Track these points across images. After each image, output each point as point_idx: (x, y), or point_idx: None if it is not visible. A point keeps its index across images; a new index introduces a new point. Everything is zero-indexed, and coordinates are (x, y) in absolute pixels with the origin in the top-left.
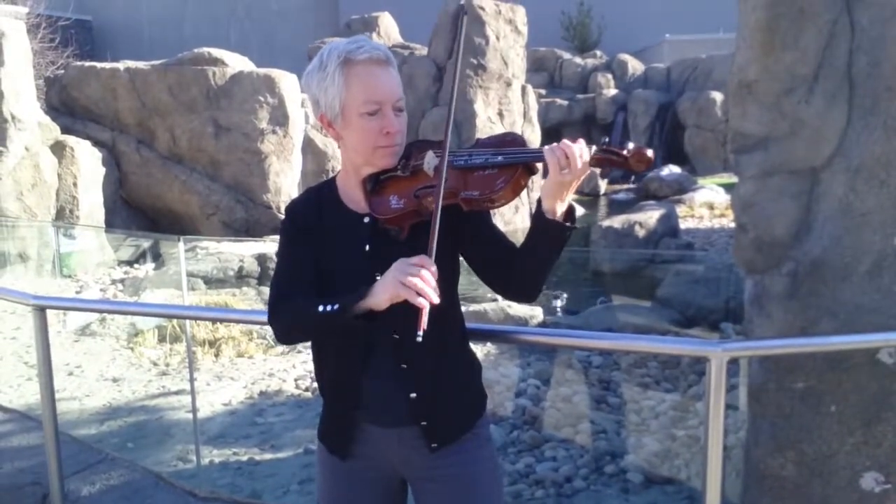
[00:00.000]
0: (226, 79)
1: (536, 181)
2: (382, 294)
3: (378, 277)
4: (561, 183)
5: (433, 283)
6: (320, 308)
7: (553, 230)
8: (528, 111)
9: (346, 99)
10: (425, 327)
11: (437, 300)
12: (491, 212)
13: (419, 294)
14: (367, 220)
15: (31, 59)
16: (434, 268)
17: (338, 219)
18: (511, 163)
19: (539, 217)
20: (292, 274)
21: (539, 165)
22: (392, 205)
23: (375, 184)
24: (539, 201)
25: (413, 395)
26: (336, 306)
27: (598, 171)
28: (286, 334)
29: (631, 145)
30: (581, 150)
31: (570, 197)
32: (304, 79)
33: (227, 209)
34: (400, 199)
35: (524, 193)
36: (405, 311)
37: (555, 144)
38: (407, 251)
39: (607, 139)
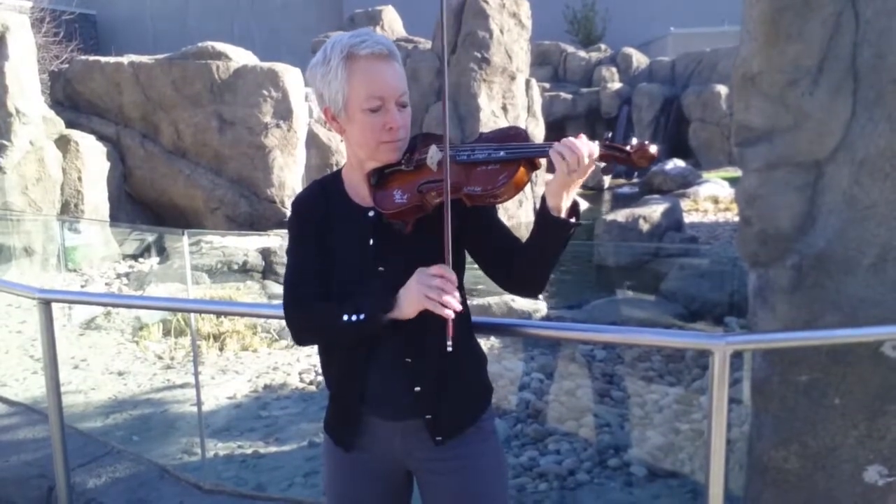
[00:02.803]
0: (229, 73)
1: (541, 175)
2: (409, 308)
3: (381, 270)
4: (565, 180)
5: (456, 292)
6: (345, 318)
7: (557, 226)
8: (532, 105)
9: (349, 94)
10: (452, 335)
11: (459, 308)
12: (495, 206)
13: (444, 306)
14: (371, 214)
15: (35, 54)
16: (454, 276)
17: (343, 212)
18: (513, 158)
19: (543, 213)
20: (304, 271)
21: (542, 160)
22: (396, 199)
23: (380, 178)
24: (543, 197)
25: (417, 388)
26: (362, 317)
27: (600, 165)
28: (307, 340)
29: (634, 141)
30: (590, 149)
31: (575, 193)
32: (308, 72)
33: (232, 203)
34: (404, 194)
35: (528, 188)
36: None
37: (562, 143)
38: (411, 245)
39: (610, 134)
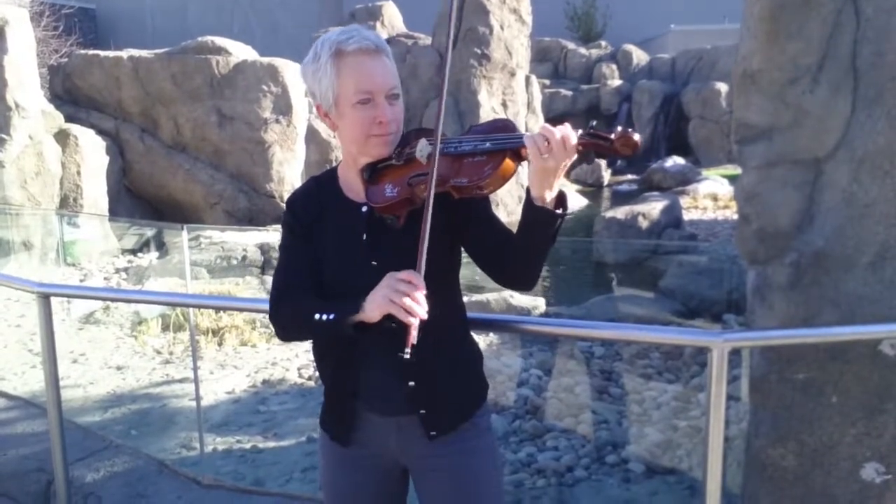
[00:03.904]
0: (229, 68)
1: None
2: (373, 311)
3: (374, 265)
4: (544, 169)
5: (421, 299)
6: (316, 316)
7: (542, 218)
8: (532, 101)
9: (339, 89)
10: (414, 343)
11: (425, 316)
12: (490, 200)
13: (407, 312)
14: (364, 209)
15: (34, 48)
16: (422, 283)
17: (338, 208)
18: (498, 149)
19: (528, 205)
20: (293, 269)
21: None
22: (386, 193)
23: (372, 173)
24: (528, 189)
25: (411, 383)
26: (331, 317)
27: (587, 156)
28: (287, 335)
29: (619, 128)
30: (564, 134)
31: (560, 183)
32: (301, 70)
33: (231, 198)
34: (394, 188)
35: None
36: None
37: (539, 130)
38: (404, 239)
39: (594, 122)
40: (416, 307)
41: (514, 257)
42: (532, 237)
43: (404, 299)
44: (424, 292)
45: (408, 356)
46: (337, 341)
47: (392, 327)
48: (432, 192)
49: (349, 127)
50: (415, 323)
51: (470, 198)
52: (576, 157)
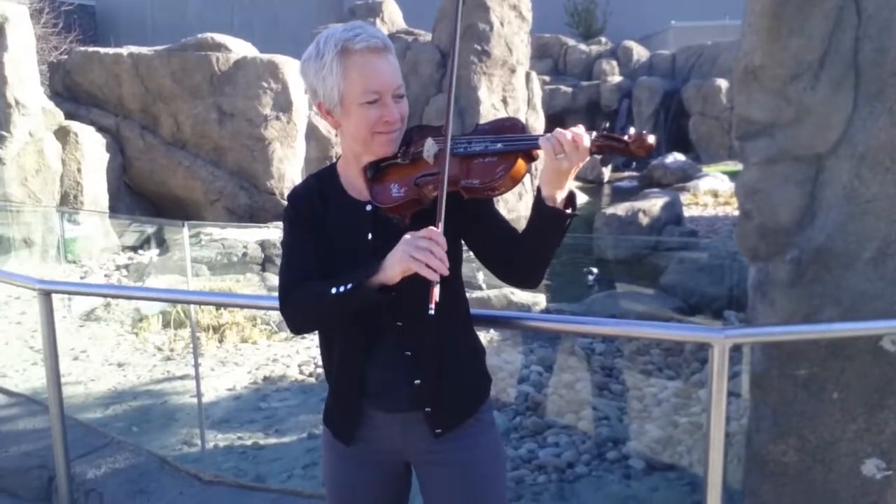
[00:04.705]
0: (229, 64)
1: (540, 167)
2: (393, 268)
3: None
4: (558, 170)
5: (443, 255)
6: (333, 290)
7: (552, 217)
8: (533, 98)
9: (345, 89)
10: (437, 300)
11: (446, 272)
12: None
13: (429, 267)
14: (368, 208)
15: (34, 45)
16: (443, 239)
17: (340, 206)
18: (510, 150)
19: (539, 204)
20: (299, 263)
21: (539, 152)
22: (393, 193)
23: (376, 171)
24: (538, 188)
25: (417, 381)
26: (350, 286)
27: (598, 157)
28: (301, 323)
29: (632, 130)
30: (577, 136)
31: (570, 184)
32: (301, 67)
33: (231, 195)
34: (401, 188)
35: (527, 180)
36: (408, 298)
37: (553, 132)
38: None
39: (607, 124)
40: (438, 262)
41: (522, 256)
42: (541, 236)
43: (425, 254)
44: (445, 247)
45: (432, 312)
46: (356, 315)
47: (399, 326)
48: (444, 193)
49: (354, 126)
50: (436, 279)
51: (478, 198)
52: (588, 158)
